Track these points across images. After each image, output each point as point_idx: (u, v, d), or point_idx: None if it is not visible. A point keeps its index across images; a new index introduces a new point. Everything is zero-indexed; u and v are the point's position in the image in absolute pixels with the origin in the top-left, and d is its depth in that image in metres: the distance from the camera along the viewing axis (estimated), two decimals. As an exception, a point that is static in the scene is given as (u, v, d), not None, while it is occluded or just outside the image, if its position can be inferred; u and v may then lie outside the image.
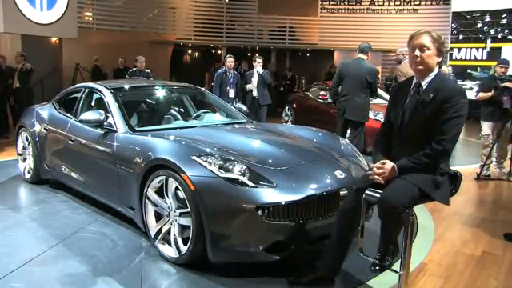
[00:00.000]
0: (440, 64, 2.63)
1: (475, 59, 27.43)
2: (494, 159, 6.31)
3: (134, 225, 3.66)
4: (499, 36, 25.15)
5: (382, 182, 2.59)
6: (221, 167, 2.98)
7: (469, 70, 26.65)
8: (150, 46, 13.28)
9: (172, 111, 4.75)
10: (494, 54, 25.63)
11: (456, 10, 16.97)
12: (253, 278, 2.97)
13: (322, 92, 9.64)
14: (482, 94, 6.18)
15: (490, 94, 6.02)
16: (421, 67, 2.58)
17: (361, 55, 6.03)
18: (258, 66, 7.73)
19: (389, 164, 2.61)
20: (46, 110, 5.05)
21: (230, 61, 7.80)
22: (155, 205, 3.30)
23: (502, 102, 5.91)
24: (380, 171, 2.61)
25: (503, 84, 5.91)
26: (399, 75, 5.93)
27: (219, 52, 16.18)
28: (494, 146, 6.17)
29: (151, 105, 4.88)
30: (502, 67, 6.16)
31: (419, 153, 2.53)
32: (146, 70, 8.52)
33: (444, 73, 8.27)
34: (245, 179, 2.91)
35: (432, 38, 2.55)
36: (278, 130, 4.35)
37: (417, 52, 2.56)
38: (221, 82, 7.75)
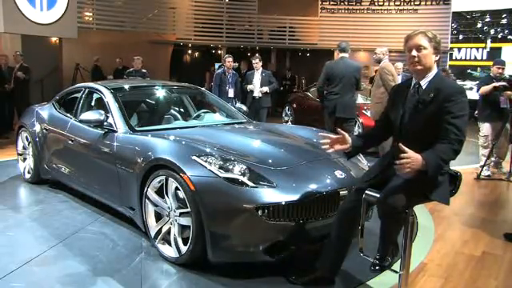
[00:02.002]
0: (438, 63, 2.63)
1: (475, 59, 27.44)
2: (493, 159, 6.31)
3: (134, 225, 3.66)
4: (499, 36, 25.16)
5: (409, 172, 2.37)
6: (221, 167, 2.98)
7: (469, 70, 26.66)
8: (150, 45, 13.28)
9: (172, 111, 4.75)
10: (494, 53, 25.63)
11: (456, 10, 16.98)
12: (253, 278, 2.97)
13: (321, 92, 9.63)
14: (484, 88, 6.10)
15: (491, 85, 5.97)
16: (419, 67, 2.57)
17: (343, 54, 6.26)
18: (259, 67, 7.74)
19: (418, 158, 2.35)
20: (46, 110, 5.05)
21: (230, 60, 7.81)
22: (155, 205, 3.30)
23: (499, 103, 5.94)
24: (408, 160, 2.35)
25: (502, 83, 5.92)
26: (386, 73, 5.97)
27: (219, 52, 16.17)
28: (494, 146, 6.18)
29: (151, 105, 4.88)
30: (498, 68, 6.18)
31: (442, 147, 2.39)
32: (143, 70, 8.67)
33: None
34: (245, 179, 2.91)
35: (427, 37, 2.55)
36: (278, 130, 4.35)
37: (414, 52, 2.56)
38: (220, 81, 7.76)
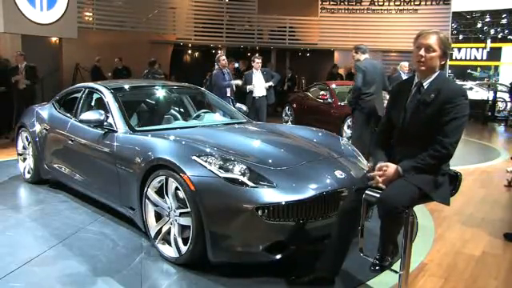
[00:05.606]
0: (443, 66, 2.62)
1: (475, 59, 27.47)
2: None
3: (134, 225, 3.66)
4: (499, 36, 25.19)
5: (384, 186, 2.55)
6: (221, 167, 2.98)
7: (469, 70, 26.70)
8: (150, 45, 13.29)
9: (172, 111, 4.75)
10: (494, 54, 25.66)
11: (456, 10, 17.00)
12: (253, 278, 2.97)
13: (322, 92, 9.65)
14: None
15: None
16: (423, 67, 2.57)
17: (367, 55, 6.24)
18: (258, 67, 7.77)
19: (391, 167, 2.56)
20: (46, 110, 5.05)
21: (224, 59, 7.87)
22: (155, 205, 3.30)
23: None
24: (382, 178, 2.56)
25: None
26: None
27: (219, 52, 16.18)
28: None
29: (151, 105, 4.87)
30: None
31: (423, 154, 2.50)
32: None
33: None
34: (245, 179, 2.91)
35: (440, 39, 2.54)
36: (278, 129, 4.34)
37: (422, 52, 2.55)
38: (216, 81, 7.78)
